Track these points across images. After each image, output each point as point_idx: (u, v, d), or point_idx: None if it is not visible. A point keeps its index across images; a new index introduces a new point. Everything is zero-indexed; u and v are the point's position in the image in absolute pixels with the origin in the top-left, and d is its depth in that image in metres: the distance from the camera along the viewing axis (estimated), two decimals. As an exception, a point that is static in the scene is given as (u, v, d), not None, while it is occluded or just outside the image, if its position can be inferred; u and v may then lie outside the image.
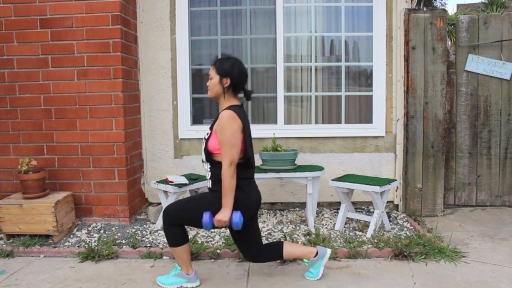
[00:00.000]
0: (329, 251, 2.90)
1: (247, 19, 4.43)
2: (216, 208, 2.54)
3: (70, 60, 3.85)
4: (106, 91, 3.86)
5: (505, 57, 4.26)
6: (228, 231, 3.76)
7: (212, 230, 3.78)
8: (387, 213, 4.18)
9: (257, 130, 4.35)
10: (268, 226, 3.92)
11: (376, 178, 3.88)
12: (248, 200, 2.63)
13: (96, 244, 3.43)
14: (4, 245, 3.48)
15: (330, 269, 3.02)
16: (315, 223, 3.96)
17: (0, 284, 2.90)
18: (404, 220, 4.07)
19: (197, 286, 2.82)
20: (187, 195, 4.11)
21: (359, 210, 4.37)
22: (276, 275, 2.97)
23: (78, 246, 3.47)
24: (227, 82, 2.59)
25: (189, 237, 3.45)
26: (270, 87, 4.47)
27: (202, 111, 4.57)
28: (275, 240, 3.54)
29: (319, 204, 4.41)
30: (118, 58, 3.83)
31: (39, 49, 3.85)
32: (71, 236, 3.72)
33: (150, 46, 4.34)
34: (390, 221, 4.01)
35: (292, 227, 3.88)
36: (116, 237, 3.65)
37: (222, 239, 3.56)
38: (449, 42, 4.98)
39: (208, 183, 2.69)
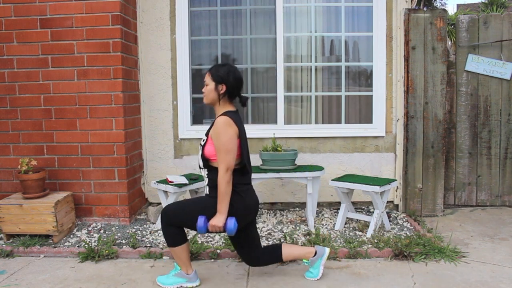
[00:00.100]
0: (327, 250, 2.91)
1: (247, 19, 4.43)
2: (212, 212, 2.55)
3: (70, 60, 3.85)
4: (106, 91, 3.86)
5: (505, 57, 4.26)
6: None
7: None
8: (387, 213, 4.18)
9: (257, 130, 4.36)
10: (268, 226, 3.92)
11: (376, 178, 3.88)
12: (246, 206, 2.63)
13: (96, 244, 3.43)
14: (4, 245, 3.48)
15: (330, 269, 3.02)
16: (315, 223, 3.96)
17: (0, 284, 2.90)
18: (404, 220, 4.07)
19: (197, 286, 2.82)
20: (187, 195, 4.11)
21: (359, 210, 4.37)
22: (276, 275, 2.97)
23: (78, 246, 3.47)
24: (222, 88, 2.60)
25: (189, 237, 3.45)
26: (270, 87, 4.47)
27: (202, 111, 4.57)
28: (274, 242, 3.54)
29: (319, 204, 4.41)
30: (118, 58, 3.83)
31: (39, 49, 3.86)
32: (71, 236, 3.72)
33: (150, 46, 4.34)
34: (390, 221, 4.01)
35: (292, 227, 3.88)
36: (116, 237, 3.65)
37: (222, 239, 3.56)
38: (449, 42, 4.98)
39: (205, 189, 2.70)
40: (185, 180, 3.81)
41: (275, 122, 4.45)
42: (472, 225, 3.93)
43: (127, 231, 3.81)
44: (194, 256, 3.23)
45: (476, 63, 4.28)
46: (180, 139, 4.43)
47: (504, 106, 4.34)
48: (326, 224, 3.97)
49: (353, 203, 4.22)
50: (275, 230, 3.82)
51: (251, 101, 4.50)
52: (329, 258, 3.15)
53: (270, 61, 4.44)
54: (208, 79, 2.63)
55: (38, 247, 3.43)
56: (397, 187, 4.33)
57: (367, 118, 4.44)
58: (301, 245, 3.39)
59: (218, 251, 3.28)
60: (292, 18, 4.42)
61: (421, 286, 2.79)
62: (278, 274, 2.99)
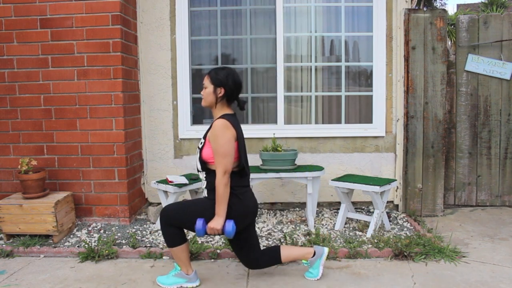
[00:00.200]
0: (326, 250, 2.91)
1: (247, 19, 4.43)
2: (211, 214, 2.55)
3: (70, 60, 3.85)
4: (106, 91, 3.86)
5: (505, 57, 4.26)
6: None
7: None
8: (387, 213, 4.18)
9: (257, 130, 4.36)
10: (268, 226, 3.92)
11: (376, 178, 3.88)
12: (245, 208, 2.64)
13: (96, 244, 3.43)
14: (4, 245, 3.48)
15: (330, 269, 3.03)
16: (315, 223, 3.96)
17: (0, 284, 2.90)
18: (404, 220, 4.07)
19: (197, 286, 2.82)
20: (187, 195, 4.11)
21: (359, 210, 4.37)
22: (276, 275, 2.97)
23: (78, 246, 3.47)
24: (221, 92, 2.60)
25: (189, 237, 3.45)
26: (270, 87, 4.47)
27: (202, 111, 4.57)
28: (274, 242, 3.54)
29: (319, 204, 4.41)
30: (118, 58, 3.83)
31: (39, 49, 3.86)
32: (71, 236, 3.72)
33: (150, 46, 4.34)
34: (390, 221, 4.01)
35: (292, 227, 3.88)
36: (116, 237, 3.65)
37: (222, 239, 3.56)
38: (449, 42, 4.98)
39: (204, 192, 2.70)
40: (185, 180, 3.81)
41: (275, 122, 4.45)
42: (472, 225, 3.93)
43: (127, 231, 3.81)
44: (194, 256, 3.23)
45: (476, 63, 4.28)
46: (180, 139, 4.43)
47: (504, 106, 4.34)
48: (326, 224, 3.97)
49: (353, 203, 4.22)
50: (275, 230, 3.82)
51: (251, 101, 4.50)
52: (329, 258, 3.15)
53: (270, 61, 4.44)
54: (207, 82, 2.64)
55: (38, 247, 3.43)
56: (397, 187, 4.33)
57: (367, 118, 4.44)
58: (301, 245, 3.39)
59: (218, 251, 3.28)
60: (292, 18, 4.42)
61: (421, 286, 2.79)
62: (278, 274, 2.99)
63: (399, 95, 4.25)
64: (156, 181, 3.84)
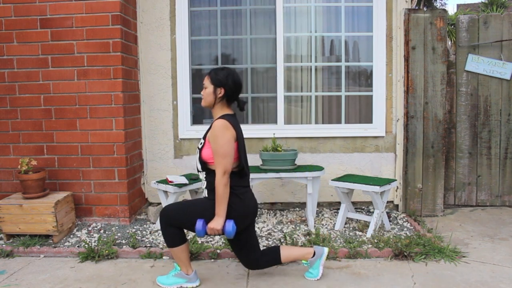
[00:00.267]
0: (326, 250, 2.91)
1: (247, 19, 4.43)
2: (211, 215, 2.55)
3: (70, 60, 3.85)
4: (106, 91, 3.86)
5: (505, 57, 4.26)
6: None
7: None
8: (387, 213, 4.18)
9: (257, 130, 4.36)
10: (268, 226, 3.92)
11: (376, 178, 3.88)
12: (246, 208, 2.64)
13: (96, 244, 3.43)
14: (4, 245, 3.48)
15: (330, 269, 3.03)
16: (315, 223, 3.96)
17: (0, 284, 2.90)
18: (404, 220, 4.07)
19: (197, 286, 2.82)
20: (187, 195, 4.11)
21: (359, 210, 4.37)
22: (276, 275, 2.97)
23: (78, 246, 3.47)
24: (221, 92, 2.60)
25: (189, 237, 3.45)
26: (270, 87, 4.47)
27: (202, 111, 4.57)
28: (274, 242, 3.54)
29: (319, 204, 4.40)
30: (118, 58, 3.83)
31: (39, 49, 3.86)
32: (71, 236, 3.72)
33: (150, 46, 4.34)
34: (390, 221, 4.01)
35: (292, 227, 3.88)
36: (116, 237, 3.65)
37: (222, 239, 3.56)
38: (449, 42, 4.98)
39: (204, 192, 2.70)
40: (185, 180, 3.81)
41: (275, 122, 4.45)
42: (472, 225, 3.93)
43: (127, 231, 3.81)
44: (194, 256, 3.23)
45: (476, 63, 4.28)
46: (180, 139, 4.43)
47: (504, 106, 4.34)
48: (326, 224, 3.97)
49: (353, 203, 4.22)
50: (275, 230, 3.82)
51: (251, 101, 4.50)
52: (329, 258, 3.15)
53: (270, 61, 4.44)
54: (207, 82, 2.64)
55: (38, 247, 3.43)
56: (397, 187, 4.33)
57: (367, 118, 4.44)
58: (301, 245, 3.39)
59: (218, 251, 3.28)
60: (292, 18, 4.42)
61: (421, 286, 2.79)
62: (278, 274, 2.99)
63: (399, 95, 4.25)
64: (156, 181, 3.84)
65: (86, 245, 3.33)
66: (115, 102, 3.87)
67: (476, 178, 4.43)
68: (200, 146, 2.65)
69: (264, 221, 4.06)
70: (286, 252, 2.84)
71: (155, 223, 4.00)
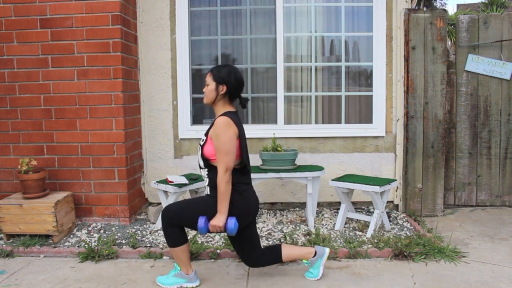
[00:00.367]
0: (327, 250, 2.91)
1: (247, 19, 4.43)
2: (213, 212, 2.55)
3: (70, 60, 3.85)
4: (106, 91, 3.86)
5: (505, 57, 4.26)
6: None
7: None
8: (387, 213, 4.18)
9: (257, 130, 4.36)
10: (268, 226, 3.92)
11: (376, 178, 3.88)
12: (247, 205, 2.64)
13: (96, 244, 3.43)
14: (4, 245, 3.48)
15: (330, 269, 3.02)
16: (315, 223, 3.96)
17: (0, 284, 2.90)
18: (404, 220, 4.07)
19: (197, 286, 2.82)
20: (187, 195, 4.11)
21: (359, 210, 4.37)
22: (276, 275, 2.97)
23: (78, 246, 3.47)
24: (223, 89, 2.60)
25: (189, 237, 3.45)
26: (270, 87, 4.47)
27: (202, 111, 4.57)
28: (274, 242, 3.54)
29: (319, 204, 4.40)
30: (118, 58, 3.83)
31: (39, 49, 3.86)
32: (71, 236, 3.72)
33: (150, 46, 4.34)
34: (390, 221, 4.01)
35: (292, 227, 3.88)
36: (116, 237, 3.65)
37: (222, 239, 3.56)
38: (449, 42, 4.98)
39: (206, 190, 2.69)
40: (185, 180, 3.81)
41: (275, 122, 4.45)
42: (472, 225, 3.93)
43: (127, 231, 3.81)
44: (194, 256, 3.23)
45: (476, 63, 4.28)
46: (180, 139, 4.43)
47: (504, 106, 4.34)
48: (326, 224, 3.97)
49: (353, 203, 4.22)
50: (275, 230, 3.82)
51: (251, 101, 4.50)
52: (329, 258, 3.15)
53: (270, 61, 4.44)
54: (209, 79, 2.64)
55: (38, 247, 3.43)
56: (397, 187, 4.33)
57: (367, 118, 4.44)
58: (301, 245, 3.39)
59: (218, 251, 3.28)
60: (292, 18, 4.42)
61: (421, 286, 2.79)
62: (278, 274, 2.99)
63: (399, 95, 4.25)
64: (156, 181, 3.84)
65: (86, 245, 3.33)
66: (115, 102, 3.87)
67: (476, 178, 4.43)
68: (202, 143, 2.65)
69: (264, 221, 4.06)
70: (287, 251, 2.84)
71: (155, 223, 4.00)
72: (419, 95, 4.14)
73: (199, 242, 3.48)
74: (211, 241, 3.56)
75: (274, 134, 4.16)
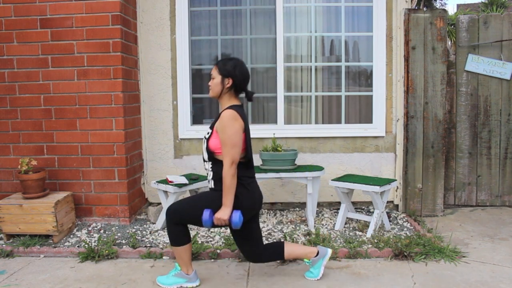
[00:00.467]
0: (330, 251, 2.90)
1: (247, 19, 4.43)
2: (218, 206, 2.54)
3: (70, 60, 3.85)
4: (106, 91, 3.86)
5: (505, 57, 4.26)
6: (228, 231, 3.76)
7: (212, 230, 3.78)
8: (387, 213, 4.18)
9: (257, 130, 4.35)
10: (268, 226, 3.92)
11: (376, 178, 3.88)
12: (252, 199, 2.64)
13: (96, 244, 3.43)
14: (4, 245, 3.48)
15: (330, 269, 3.02)
16: (315, 223, 3.96)
17: (0, 284, 2.90)
18: (404, 220, 4.07)
19: (197, 286, 2.82)
20: (187, 195, 4.11)
21: (359, 210, 4.37)
22: (276, 275, 2.97)
23: (78, 246, 3.47)
24: (229, 82, 2.60)
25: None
26: (270, 87, 4.47)
27: (202, 111, 4.57)
28: (275, 240, 3.54)
29: (319, 204, 4.40)
30: (118, 58, 3.83)
31: (39, 49, 3.86)
32: (71, 236, 3.72)
33: (150, 46, 4.34)
34: (390, 221, 4.01)
35: (292, 227, 3.88)
36: (116, 237, 3.65)
37: (222, 239, 3.56)
38: (449, 42, 4.98)
39: (210, 183, 2.68)
40: (185, 180, 3.81)
41: (275, 122, 4.45)
42: (472, 225, 3.93)
43: (127, 231, 3.81)
44: (194, 256, 3.23)
45: (476, 63, 4.28)
46: (180, 139, 4.43)
47: (504, 106, 4.34)
48: (326, 224, 3.97)
49: (353, 203, 4.22)
50: (275, 230, 3.82)
51: (251, 101, 4.48)
52: (329, 258, 3.14)
53: (270, 61, 4.44)
54: (214, 72, 2.64)
55: (38, 247, 3.43)
56: (397, 187, 4.33)
57: (367, 118, 4.44)
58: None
59: (218, 251, 3.28)
60: (292, 18, 4.42)
61: (421, 286, 2.79)
62: (278, 274, 2.99)
63: (399, 95, 4.25)
64: (156, 181, 3.84)
65: (86, 245, 3.33)
66: (115, 102, 3.87)
67: (476, 178, 4.43)
68: (207, 136, 2.63)
69: (264, 221, 4.06)
70: (290, 249, 2.84)
71: (155, 223, 4.00)
72: (419, 95, 4.14)
73: (199, 242, 3.48)
74: (211, 241, 3.56)
75: (274, 134, 4.16)
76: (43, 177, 3.69)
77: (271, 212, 4.39)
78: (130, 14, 4.11)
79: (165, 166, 4.45)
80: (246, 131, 2.61)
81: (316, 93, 4.46)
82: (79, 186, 3.99)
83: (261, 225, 3.95)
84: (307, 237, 3.60)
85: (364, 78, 4.51)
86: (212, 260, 3.25)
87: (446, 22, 4.10)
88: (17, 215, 3.53)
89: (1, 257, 3.35)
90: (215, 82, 2.63)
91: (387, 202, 4.18)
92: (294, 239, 3.52)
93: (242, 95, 2.72)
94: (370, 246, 3.36)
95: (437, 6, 16.17)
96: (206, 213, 2.50)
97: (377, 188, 3.56)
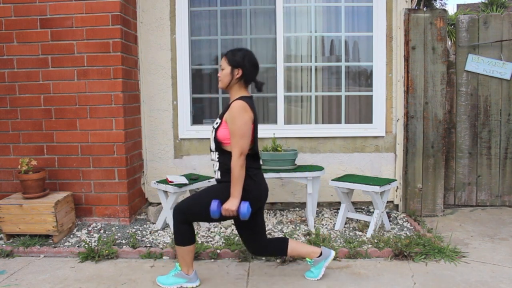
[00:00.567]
0: (333, 253, 2.90)
1: (247, 19, 4.43)
2: (225, 197, 2.53)
3: (70, 60, 3.85)
4: (106, 91, 3.86)
5: (505, 57, 4.26)
6: (228, 231, 3.76)
7: (212, 230, 3.79)
8: (387, 213, 4.18)
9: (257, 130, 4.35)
10: (268, 226, 3.92)
11: (376, 178, 3.88)
12: (259, 190, 2.64)
13: (96, 244, 3.43)
14: (4, 245, 3.48)
15: (330, 269, 3.02)
16: (315, 223, 3.96)
17: (0, 284, 2.90)
18: (404, 220, 4.07)
19: (197, 286, 2.82)
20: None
21: (359, 210, 4.37)
22: (276, 275, 2.97)
23: (78, 246, 3.47)
24: (238, 73, 2.59)
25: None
26: (270, 87, 4.47)
27: (202, 111, 4.57)
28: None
29: (319, 204, 4.40)
30: (118, 58, 3.83)
31: (39, 49, 3.85)
32: (71, 236, 3.72)
33: (150, 46, 4.34)
34: (390, 221, 4.01)
35: (292, 227, 3.88)
36: (116, 237, 3.65)
37: (222, 239, 3.56)
38: (449, 42, 4.97)
39: (217, 174, 2.66)
40: (185, 180, 3.81)
41: (275, 122, 4.44)
42: (472, 225, 3.93)
43: (127, 231, 3.81)
44: (194, 256, 3.21)
45: (476, 63, 4.28)
46: (180, 139, 4.43)
47: (504, 106, 4.34)
48: (326, 224, 3.97)
49: (353, 203, 4.22)
50: (275, 230, 3.82)
51: (251, 101, 4.49)
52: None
53: (270, 61, 4.44)
54: (224, 63, 2.62)
55: (38, 247, 3.43)
56: (397, 187, 4.33)
57: (367, 118, 4.44)
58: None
59: (218, 251, 3.28)
60: (292, 18, 4.42)
61: (421, 286, 2.79)
62: (278, 274, 2.99)
63: (399, 95, 4.25)
64: (156, 181, 3.84)
65: (86, 245, 3.33)
66: (115, 102, 3.87)
67: (476, 178, 4.43)
68: (216, 126, 2.62)
69: (264, 221, 4.06)
70: (294, 246, 2.83)
71: (155, 223, 4.00)
72: (419, 95, 4.14)
73: (199, 242, 3.48)
74: (211, 241, 3.56)
75: (274, 134, 4.16)
76: (43, 177, 3.70)
77: (271, 212, 4.39)
78: (130, 14, 4.11)
79: (165, 166, 4.45)
80: (255, 123, 2.60)
81: (316, 93, 4.46)
82: (79, 186, 3.99)
83: (261, 225, 3.95)
84: (307, 237, 3.60)
85: (364, 78, 4.51)
86: (212, 260, 3.25)
87: (446, 22, 4.10)
88: (17, 215, 3.53)
89: (1, 257, 3.35)
90: (225, 72, 2.61)
91: (387, 202, 4.18)
92: (294, 239, 3.52)
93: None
94: (370, 246, 3.36)
95: (437, 6, 16.16)
96: (214, 204, 2.48)
97: (377, 188, 3.56)
